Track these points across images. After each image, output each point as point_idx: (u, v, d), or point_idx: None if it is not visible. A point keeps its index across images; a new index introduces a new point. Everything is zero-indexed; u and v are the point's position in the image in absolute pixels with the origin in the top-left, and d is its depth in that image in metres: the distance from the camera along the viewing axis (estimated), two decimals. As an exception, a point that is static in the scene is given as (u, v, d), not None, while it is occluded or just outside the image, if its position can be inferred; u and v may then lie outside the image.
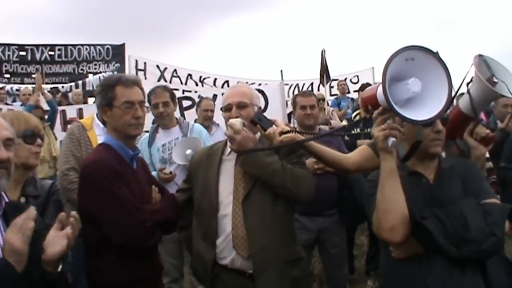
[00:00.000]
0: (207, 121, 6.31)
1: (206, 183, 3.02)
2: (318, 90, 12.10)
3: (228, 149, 3.07)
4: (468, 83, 2.74)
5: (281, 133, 2.78)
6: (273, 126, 2.90)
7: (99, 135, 4.29)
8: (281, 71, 9.74)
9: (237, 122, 2.86)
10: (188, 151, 4.52)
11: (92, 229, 2.69)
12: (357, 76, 13.27)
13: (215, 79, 12.16)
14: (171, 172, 4.49)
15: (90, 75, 13.48)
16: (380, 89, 2.21)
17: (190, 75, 12.06)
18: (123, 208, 2.67)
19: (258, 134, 3.00)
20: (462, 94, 2.96)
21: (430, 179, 2.51)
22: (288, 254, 2.95)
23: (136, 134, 2.95)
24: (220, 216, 2.94)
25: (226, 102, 3.11)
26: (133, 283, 2.76)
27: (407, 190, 2.32)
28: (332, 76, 11.43)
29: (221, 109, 3.18)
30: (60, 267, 2.02)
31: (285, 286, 2.87)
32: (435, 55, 2.19)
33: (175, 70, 11.91)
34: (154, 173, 4.49)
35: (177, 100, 5.32)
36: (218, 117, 6.10)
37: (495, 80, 2.68)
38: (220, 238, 2.93)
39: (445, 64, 2.19)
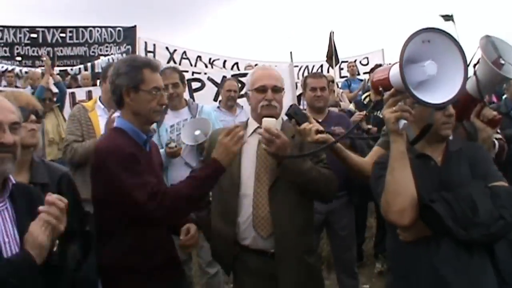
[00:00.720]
0: (230, 101, 6.32)
1: None
2: (328, 72, 11.99)
3: (250, 130, 3.08)
4: (475, 65, 2.70)
5: (317, 131, 2.73)
6: (307, 122, 2.86)
7: (100, 115, 4.47)
8: (291, 53, 9.68)
9: (272, 123, 2.77)
10: (197, 132, 4.52)
11: (105, 217, 2.69)
12: (367, 58, 13.13)
13: (225, 61, 12.12)
14: (176, 146, 4.47)
15: (101, 57, 13.38)
16: (393, 70, 2.20)
17: (199, 57, 12.05)
18: (137, 179, 2.55)
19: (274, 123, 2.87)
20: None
21: (438, 161, 2.48)
22: (307, 244, 2.99)
23: (157, 120, 2.93)
24: (241, 195, 2.95)
25: (260, 83, 3.03)
26: (148, 272, 2.70)
27: (415, 173, 2.30)
28: (341, 58, 11.37)
29: (250, 90, 3.11)
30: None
31: (302, 273, 2.91)
32: (452, 38, 2.16)
33: (184, 52, 11.91)
34: (161, 151, 4.50)
35: (186, 82, 5.31)
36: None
37: (502, 62, 2.64)
38: (241, 217, 2.94)
39: (461, 48, 2.16)
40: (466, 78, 2.16)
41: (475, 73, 2.67)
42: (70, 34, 13.86)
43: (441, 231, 2.22)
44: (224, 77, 7.86)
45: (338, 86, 9.92)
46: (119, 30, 13.97)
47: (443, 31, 2.14)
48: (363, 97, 6.85)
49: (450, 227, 2.17)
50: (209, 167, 2.58)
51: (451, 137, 2.58)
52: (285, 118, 3.11)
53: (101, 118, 4.44)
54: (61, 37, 13.77)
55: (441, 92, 2.15)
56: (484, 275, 2.24)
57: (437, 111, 2.43)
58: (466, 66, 2.15)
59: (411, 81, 2.14)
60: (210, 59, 12.17)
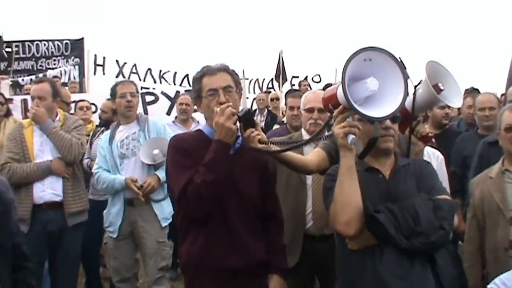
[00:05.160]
0: (183, 115, 6.59)
1: None
2: (279, 88, 12.22)
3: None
4: (416, 85, 2.89)
5: (259, 140, 2.79)
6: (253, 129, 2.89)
7: (35, 131, 4.71)
8: (243, 70, 9.92)
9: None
10: (156, 151, 4.69)
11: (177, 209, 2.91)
12: (319, 75, 13.27)
13: (175, 73, 12.07)
14: (142, 186, 4.69)
15: (49, 70, 13.08)
16: (340, 88, 2.36)
17: (149, 69, 11.96)
18: (179, 170, 2.79)
19: None
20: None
21: (386, 175, 2.70)
22: None
23: None
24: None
25: (309, 105, 4.00)
26: (226, 272, 2.81)
27: (363, 185, 2.51)
28: (293, 73, 11.72)
29: (302, 109, 4.10)
30: None
31: None
32: (391, 55, 2.36)
33: (134, 65, 11.82)
34: (121, 178, 4.74)
35: (140, 95, 5.51)
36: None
37: (442, 87, 2.85)
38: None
39: (401, 64, 2.37)
40: (406, 93, 2.37)
41: (414, 92, 2.87)
42: (16, 49, 13.50)
43: (385, 240, 2.43)
44: (177, 92, 7.93)
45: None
46: (66, 43, 13.76)
47: (383, 49, 2.34)
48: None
49: (392, 235, 2.38)
50: (212, 150, 2.71)
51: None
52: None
53: (35, 134, 4.70)
54: (7, 52, 13.38)
55: (384, 107, 2.35)
56: (425, 282, 2.43)
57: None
58: (406, 82, 2.36)
59: (357, 97, 2.35)
60: (160, 71, 12.13)
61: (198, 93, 2.93)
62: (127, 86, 4.96)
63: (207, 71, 2.91)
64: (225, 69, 2.93)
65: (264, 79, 13.37)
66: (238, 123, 2.74)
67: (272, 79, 13.12)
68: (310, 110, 4.00)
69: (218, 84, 2.84)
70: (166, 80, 12.10)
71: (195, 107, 7.57)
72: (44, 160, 4.60)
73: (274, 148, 2.88)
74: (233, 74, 2.97)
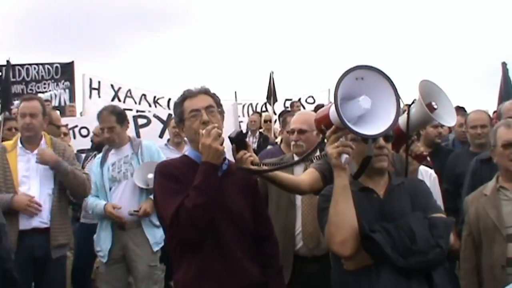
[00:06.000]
0: (177, 138, 6.52)
1: None
2: (271, 108, 12.29)
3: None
4: (410, 105, 2.91)
5: (252, 162, 2.79)
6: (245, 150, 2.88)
7: (20, 155, 4.49)
8: (235, 92, 10.00)
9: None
10: (150, 175, 4.62)
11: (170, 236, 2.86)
12: (312, 97, 13.33)
13: (169, 99, 12.15)
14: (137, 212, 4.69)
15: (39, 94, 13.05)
16: (332, 108, 2.40)
17: (144, 95, 12.02)
18: (167, 195, 2.75)
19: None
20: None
21: (381, 194, 2.70)
22: None
23: None
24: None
25: (292, 126, 4.03)
26: None
27: (358, 205, 2.52)
28: (286, 96, 11.76)
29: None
30: None
31: None
32: (383, 73, 2.40)
33: (129, 90, 11.89)
34: (101, 205, 4.75)
35: (132, 118, 5.50)
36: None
37: (435, 106, 2.86)
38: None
39: (392, 82, 2.40)
40: (399, 111, 2.40)
41: (408, 112, 2.89)
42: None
43: (381, 260, 2.43)
44: (169, 115, 7.98)
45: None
46: (56, 67, 13.75)
47: (374, 67, 2.38)
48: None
49: (389, 255, 2.39)
50: (200, 172, 2.68)
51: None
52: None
53: (20, 158, 4.49)
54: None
55: (378, 125, 2.38)
56: (422, 301, 2.46)
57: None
58: (398, 100, 2.39)
59: (350, 116, 2.38)
60: (154, 97, 12.18)
61: (180, 117, 2.93)
62: (106, 120, 4.85)
63: (188, 94, 2.93)
64: (205, 91, 2.96)
65: (257, 103, 13.43)
66: (231, 145, 2.75)
67: (265, 103, 13.19)
68: (291, 132, 4.07)
69: (200, 105, 2.86)
70: (160, 105, 12.14)
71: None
72: (29, 188, 4.40)
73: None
74: (214, 96, 2.99)
